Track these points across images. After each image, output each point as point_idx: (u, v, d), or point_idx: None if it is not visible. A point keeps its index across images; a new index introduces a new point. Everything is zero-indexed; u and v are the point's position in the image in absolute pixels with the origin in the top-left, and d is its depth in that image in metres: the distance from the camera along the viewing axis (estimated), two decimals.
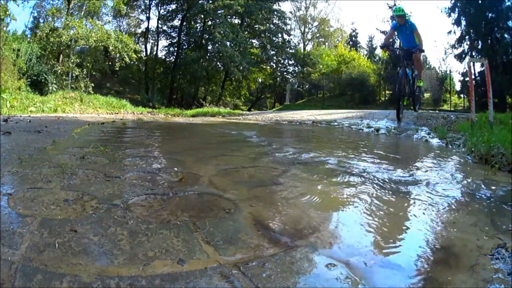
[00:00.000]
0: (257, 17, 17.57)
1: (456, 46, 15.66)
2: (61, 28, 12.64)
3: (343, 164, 1.70)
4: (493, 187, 1.32)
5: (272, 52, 18.44)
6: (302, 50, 21.56)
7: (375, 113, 4.29)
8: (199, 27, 18.02)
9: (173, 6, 18.24)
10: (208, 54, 17.32)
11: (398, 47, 5.29)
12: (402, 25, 4.86)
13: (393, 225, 0.95)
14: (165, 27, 19.20)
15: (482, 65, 11.38)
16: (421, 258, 0.74)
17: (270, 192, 1.19)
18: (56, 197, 1.03)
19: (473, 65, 11.23)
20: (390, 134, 3.38)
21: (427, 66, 19.18)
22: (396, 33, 5.23)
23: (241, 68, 15.77)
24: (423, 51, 4.84)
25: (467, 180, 1.45)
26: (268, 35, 18.36)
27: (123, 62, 13.73)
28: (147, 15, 19.21)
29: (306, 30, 23.77)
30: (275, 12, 18.13)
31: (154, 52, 19.98)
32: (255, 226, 0.88)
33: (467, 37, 15.31)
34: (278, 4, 18.66)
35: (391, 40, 5.56)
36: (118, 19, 18.72)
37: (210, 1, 16.32)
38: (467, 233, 0.87)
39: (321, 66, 19.57)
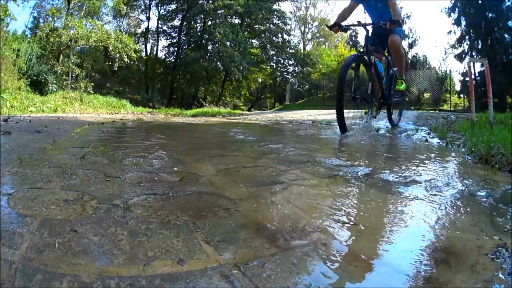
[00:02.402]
0: (257, 17, 17.58)
1: (456, 46, 15.70)
2: (61, 28, 12.63)
3: (343, 164, 1.70)
4: (493, 187, 1.32)
5: (272, 52, 18.44)
6: (302, 50, 21.57)
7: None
8: (199, 27, 18.01)
9: (173, 6, 18.24)
10: (208, 54, 17.32)
11: (358, 22, 3.24)
12: None
13: (393, 225, 0.95)
14: (165, 27, 19.21)
15: (482, 65, 11.40)
16: (421, 258, 0.74)
17: (270, 192, 1.19)
18: (56, 197, 1.03)
19: (473, 65, 11.25)
20: (390, 134, 3.38)
21: (427, 66, 19.16)
22: (364, 8, 3.47)
23: (241, 68, 15.77)
24: (399, 23, 2.99)
25: (467, 180, 1.45)
26: (268, 35, 18.37)
27: (123, 62, 13.73)
28: (147, 15, 19.22)
29: (306, 30, 23.79)
30: (275, 12, 18.13)
31: (154, 52, 19.99)
32: (255, 225, 0.88)
33: (467, 37, 15.33)
34: (278, 4, 18.67)
35: (349, 16, 3.39)
36: (118, 19, 18.72)
37: (210, 1, 16.31)
38: (467, 233, 0.87)
39: (321, 66, 19.58)
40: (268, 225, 0.89)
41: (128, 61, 13.97)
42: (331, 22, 3.03)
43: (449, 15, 15.62)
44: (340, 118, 2.98)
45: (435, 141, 2.80)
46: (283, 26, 18.45)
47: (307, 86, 20.07)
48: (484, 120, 3.46)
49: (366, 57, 3.13)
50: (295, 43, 20.55)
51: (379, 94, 3.47)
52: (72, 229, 0.80)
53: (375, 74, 3.22)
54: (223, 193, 1.14)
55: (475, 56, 14.41)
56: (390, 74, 3.61)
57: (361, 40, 4.37)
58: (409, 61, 19.27)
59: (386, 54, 3.58)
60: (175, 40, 18.70)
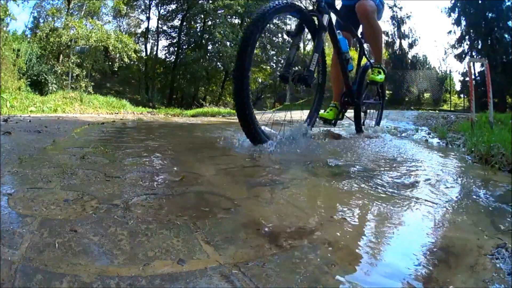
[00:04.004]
0: None
1: (456, 46, 15.74)
2: (61, 28, 12.65)
3: (343, 164, 1.70)
4: (493, 187, 1.32)
5: (272, 52, 18.46)
6: (302, 50, 21.56)
7: (375, 113, 4.25)
8: (199, 27, 18.03)
9: (173, 6, 18.27)
10: (208, 54, 17.34)
11: None
12: None
13: (393, 225, 0.95)
14: (165, 27, 19.23)
15: (482, 65, 11.41)
16: (421, 258, 0.74)
17: (270, 192, 1.19)
18: (56, 197, 1.03)
19: (473, 65, 11.25)
20: (390, 134, 3.38)
21: (427, 66, 19.17)
22: None
23: None
24: None
25: (467, 180, 1.45)
26: (268, 35, 18.38)
27: (123, 62, 13.75)
28: (147, 15, 19.25)
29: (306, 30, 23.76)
30: None
31: (154, 52, 20.01)
32: (255, 225, 0.88)
33: (467, 37, 15.37)
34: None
35: None
36: (118, 19, 18.75)
37: (210, 1, 16.33)
38: (467, 233, 0.87)
39: None
40: (268, 225, 0.89)
41: (128, 61, 13.98)
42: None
43: (449, 15, 15.65)
44: (244, 116, 1.78)
45: (435, 141, 2.81)
46: (283, 26, 18.46)
47: None
48: (484, 120, 3.47)
49: (313, 16, 2.07)
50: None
51: (342, 88, 2.58)
52: (72, 229, 0.80)
53: (336, 51, 2.29)
54: (223, 193, 1.14)
55: (475, 56, 14.44)
56: (364, 66, 2.70)
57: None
58: (409, 61, 19.29)
59: (360, 37, 2.69)
60: (175, 40, 18.72)
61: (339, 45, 2.35)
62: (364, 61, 2.81)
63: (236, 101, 1.76)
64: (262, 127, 1.98)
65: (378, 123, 3.28)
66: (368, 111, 3.03)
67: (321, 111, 2.59)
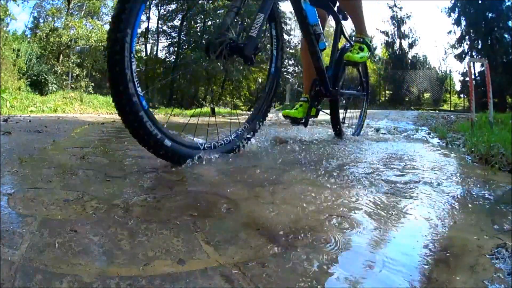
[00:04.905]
0: None
1: (456, 46, 15.74)
2: (61, 28, 12.66)
3: (342, 164, 1.70)
4: (493, 187, 1.32)
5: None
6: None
7: (375, 113, 4.23)
8: (199, 27, 18.03)
9: (173, 6, 18.27)
10: None
11: None
12: None
13: (392, 225, 0.95)
14: (165, 27, 19.22)
15: (482, 65, 11.41)
16: (421, 258, 0.74)
17: (270, 192, 1.19)
18: (56, 197, 1.03)
19: (473, 65, 11.25)
20: (390, 134, 3.38)
21: (427, 66, 19.18)
22: None
23: (240, 68, 15.78)
24: None
25: (467, 180, 1.45)
26: (268, 35, 18.39)
27: None
28: (147, 15, 19.24)
29: None
30: None
31: (154, 52, 20.00)
32: (255, 225, 0.88)
33: (467, 37, 15.37)
34: (278, 4, 18.67)
35: None
36: None
37: (210, 1, 16.32)
38: (467, 233, 0.87)
39: None
40: (268, 225, 0.89)
41: None
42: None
43: (449, 15, 15.66)
44: (128, 117, 1.24)
45: (435, 141, 2.81)
46: (283, 26, 18.47)
47: None
48: (484, 120, 3.47)
49: None
50: (295, 43, 20.57)
51: (312, 73, 2.02)
52: (72, 229, 0.80)
53: (300, 22, 1.67)
54: (223, 193, 1.14)
55: (475, 56, 14.44)
56: (342, 47, 2.11)
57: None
58: (409, 61, 19.31)
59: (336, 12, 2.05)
60: (175, 40, 18.73)
61: (304, 15, 1.75)
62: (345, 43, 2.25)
63: (112, 93, 1.15)
64: (192, 138, 1.39)
65: (358, 133, 2.57)
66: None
67: (288, 110, 1.97)
